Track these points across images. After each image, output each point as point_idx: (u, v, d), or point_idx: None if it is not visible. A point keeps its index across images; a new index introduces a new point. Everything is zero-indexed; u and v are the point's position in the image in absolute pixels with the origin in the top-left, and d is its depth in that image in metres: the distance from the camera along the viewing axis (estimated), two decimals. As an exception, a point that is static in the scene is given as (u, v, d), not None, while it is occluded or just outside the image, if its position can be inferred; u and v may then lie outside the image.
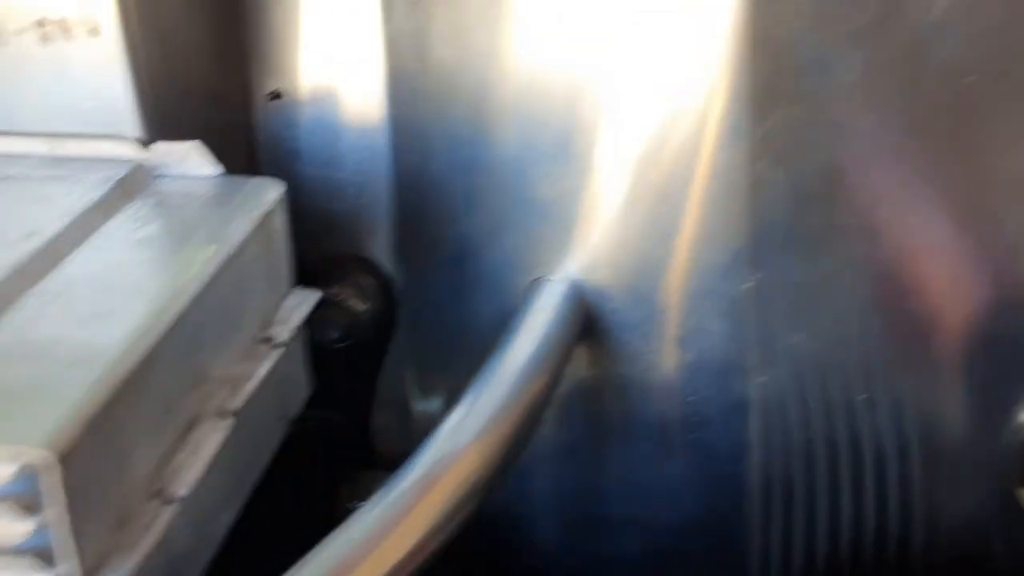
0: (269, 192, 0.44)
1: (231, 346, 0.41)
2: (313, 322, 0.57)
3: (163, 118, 0.47)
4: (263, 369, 0.42)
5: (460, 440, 0.43)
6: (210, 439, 0.37)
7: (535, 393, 0.48)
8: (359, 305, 0.56)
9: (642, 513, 0.60)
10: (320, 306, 0.56)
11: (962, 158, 0.47)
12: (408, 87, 0.52)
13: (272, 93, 0.54)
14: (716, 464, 0.57)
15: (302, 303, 0.46)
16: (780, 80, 0.47)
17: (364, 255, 0.57)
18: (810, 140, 0.48)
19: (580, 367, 0.57)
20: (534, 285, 0.55)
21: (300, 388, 0.48)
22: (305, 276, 0.58)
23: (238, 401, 0.39)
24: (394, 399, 0.61)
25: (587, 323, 0.54)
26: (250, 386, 0.40)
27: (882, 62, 0.46)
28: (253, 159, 0.56)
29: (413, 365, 0.60)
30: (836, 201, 0.49)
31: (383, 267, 0.57)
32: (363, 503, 0.38)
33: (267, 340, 0.44)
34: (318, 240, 0.57)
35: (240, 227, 0.41)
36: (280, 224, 0.45)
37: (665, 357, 0.55)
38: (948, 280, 0.50)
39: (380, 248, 0.57)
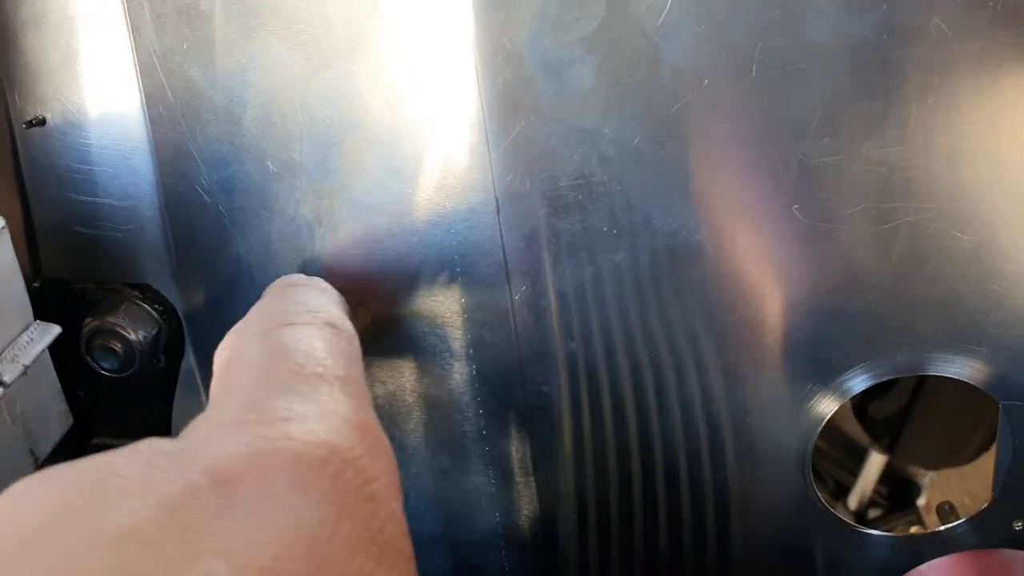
0: (-18, 227, 0.43)
1: (-61, 389, 0.40)
2: (94, 352, 0.56)
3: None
4: (-20, 411, 0.41)
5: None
6: None
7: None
8: (138, 333, 0.55)
9: (449, 530, 0.59)
10: (98, 336, 0.55)
11: (708, 159, 0.47)
12: (164, 109, 0.51)
13: (31, 121, 0.53)
14: (513, 478, 0.56)
15: (40, 338, 0.45)
16: (516, 90, 0.46)
17: (141, 281, 0.56)
18: (554, 150, 0.47)
19: (370, 384, 0.56)
20: (312, 304, 0.54)
21: (51, 424, 0.47)
22: (83, 306, 0.57)
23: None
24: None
25: (370, 340, 0.54)
26: (-38, 429, 0.39)
27: (615, 67, 0.45)
28: (23, 190, 0.54)
29: (206, 389, 0.58)
30: (589, 209, 0.48)
31: (163, 293, 0.56)
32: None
33: (-8, 379, 0.43)
34: (92, 269, 0.56)
35: (-57, 266, 0.40)
36: (3, 259, 0.43)
37: (451, 371, 0.54)
38: (717, 279, 0.50)
39: (158, 274, 0.55)
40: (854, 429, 0.88)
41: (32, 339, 0.45)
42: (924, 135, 0.45)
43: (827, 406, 0.52)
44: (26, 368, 0.44)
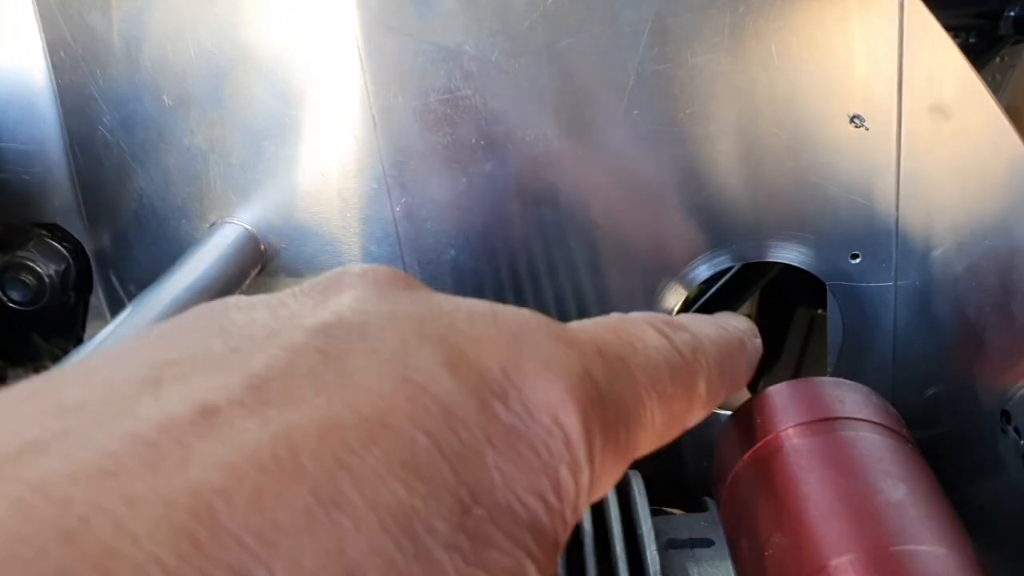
0: None
1: None
2: (5, 285, 0.59)
3: None
4: None
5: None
6: None
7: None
8: (48, 267, 0.59)
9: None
10: (9, 270, 0.59)
11: (557, 72, 0.54)
12: (65, 54, 0.56)
13: (-63, 71, 0.57)
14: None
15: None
16: (388, 13, 0.53)
17: (49, 220, 0.60)
18: (422, 67, 0.54)
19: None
20: (210, 228, 0.59)
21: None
22: (-6, 245, 0.61)
23: None
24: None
25: (263, 260, 0.59)
26: None
27: (471, -9, 0.52)
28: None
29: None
30: (457, 123, 0.55)
31: (71, 230, 0.60)
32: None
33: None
34: (1, 211, 0.60)
35: None
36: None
37: (342, 286, 0.60)
38: (574, 183, 0.56)
39: (66, 212, 0.60)
40: None
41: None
42: (738, 42, 0.53)
43: (676, 296, 0.59)
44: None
